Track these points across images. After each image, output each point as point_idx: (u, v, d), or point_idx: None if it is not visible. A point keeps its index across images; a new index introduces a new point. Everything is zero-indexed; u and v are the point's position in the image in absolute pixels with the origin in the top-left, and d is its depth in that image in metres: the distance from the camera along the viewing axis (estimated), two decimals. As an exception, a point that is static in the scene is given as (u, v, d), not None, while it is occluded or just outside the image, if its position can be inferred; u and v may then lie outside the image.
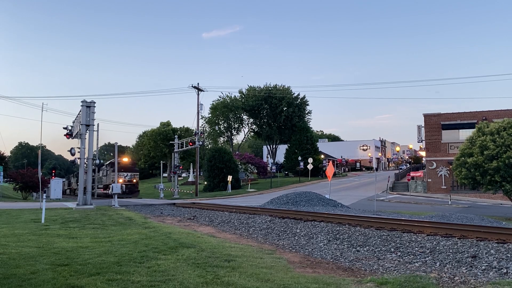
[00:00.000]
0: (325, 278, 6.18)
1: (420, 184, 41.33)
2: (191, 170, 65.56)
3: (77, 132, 23.98)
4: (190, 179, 62.29)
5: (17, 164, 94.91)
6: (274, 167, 54.09)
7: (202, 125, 52.42)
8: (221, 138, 66.90)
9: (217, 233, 12.29)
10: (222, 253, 8.04)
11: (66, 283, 5.49)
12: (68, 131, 25.35)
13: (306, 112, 65.69)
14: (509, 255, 7.17)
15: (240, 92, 58.10)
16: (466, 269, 6.74)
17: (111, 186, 28.03)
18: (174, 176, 42.42)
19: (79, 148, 23.24)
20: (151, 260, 7.15)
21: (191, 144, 39.43)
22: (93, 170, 40.08)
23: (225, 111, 56.23)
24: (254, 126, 66.88)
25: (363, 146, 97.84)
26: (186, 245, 8.90)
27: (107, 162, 44.48)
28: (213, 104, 60.01)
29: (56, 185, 41.02)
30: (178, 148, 42.00)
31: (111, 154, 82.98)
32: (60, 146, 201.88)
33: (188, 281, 5.66)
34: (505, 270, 6.43)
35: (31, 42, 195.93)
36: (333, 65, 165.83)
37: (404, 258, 7.85)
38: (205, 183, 46.81)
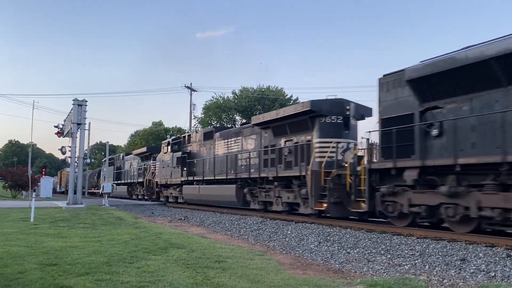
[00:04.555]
0: (315, 280, 6.19)
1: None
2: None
3: (68, 131, 23.87)
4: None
5: (7, 162, 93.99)
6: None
7: (194, 125, 52.28)
8: (213, 138, 66.55)
9: (208, 233, 12.26)
10: (213, 253, 8.02)
11: (54, 283, 5.43)
12: (59, 129, 25.22)
13: (299, 113, 65.53)
14: (497, 259, 7.24)
15: (233, 92, 58.07)
16: (455, 272, 6.79)
17: (102, 185, 27.92)
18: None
19: (70, 146, 23.13)
20: (141, 260, 7.11)
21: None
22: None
23: (218, 112, 56.18)
24: (247, 127, 66.59)
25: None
26: (177, 245, 8.87)
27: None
28: (206, 104, 59.97)
29: (47, 183, 40.65)
30: (170, 148, 41.81)
31: (102, 154, 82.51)
32: (51, 145, 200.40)
33: (177, 281, 5.64)
34: (493, 273, 6.48)
35: (22, 39, 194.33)
36: (328, 67, 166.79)
37: (394, 260, 7.89)
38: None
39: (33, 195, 16.63)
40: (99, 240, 9.47)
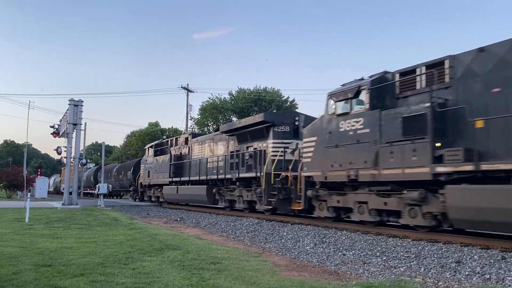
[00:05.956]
0: (310, 281, 6.19)
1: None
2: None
3: (64, 131, 23.84)
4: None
5: (1, 162, 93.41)
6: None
7: (191, 126, 52.29)
8: (210, 139, 66.38)
9: (203, 235, 12.24)
10: (208, 255, 8.01)
11: (49, 284, 5.41)
12: (55, 129, 25.18)
13: (296, 115, 65.60)
14: (492, 261, 7.27)
15: (230, 94, 58.14)
16: (450, 274, 6.81)
17: (97, 186, 27.78)
18: (162, 177, 41.73)
19: (65, 147, 23.09)
20: (136, 261, 7.09)
21: (180, 145, 38.83)
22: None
23: (215, 113, 56.20)
24: (244, 128, 66.47)
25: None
26: (172, 246, 8.85)
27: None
28: (202, 105, 59.98)
29: (42, 184, 40.49)
30: (167, 149, 41.18)
31: (98, 154, 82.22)
32: (47, 145, 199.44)
33: (173, 283, 5.62)
34: (488, 276, 6.51)
35: (18, 39, 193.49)
36: (324, 69, 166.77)
37: (389, 262, 7.90)
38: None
39: (28, 195, 16.59)
40: (94, 241, 9.43)
